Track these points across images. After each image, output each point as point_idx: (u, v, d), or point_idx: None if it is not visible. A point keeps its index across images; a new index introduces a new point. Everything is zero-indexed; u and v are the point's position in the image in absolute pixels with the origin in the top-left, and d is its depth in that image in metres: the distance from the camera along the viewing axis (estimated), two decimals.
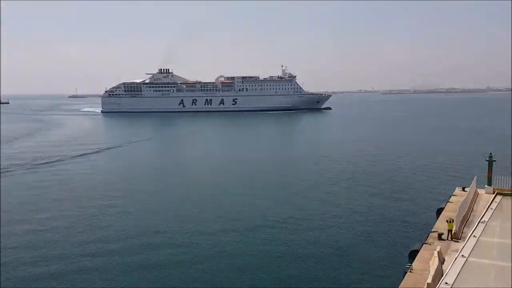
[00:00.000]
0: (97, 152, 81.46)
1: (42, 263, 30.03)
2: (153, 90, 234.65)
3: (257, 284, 26.58)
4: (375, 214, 40.50)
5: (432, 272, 21.64)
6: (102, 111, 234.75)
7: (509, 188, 37.40)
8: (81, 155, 76.78)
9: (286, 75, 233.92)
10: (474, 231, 27.66)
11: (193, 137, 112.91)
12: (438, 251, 24.26)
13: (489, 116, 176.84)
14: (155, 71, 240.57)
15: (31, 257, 31.05)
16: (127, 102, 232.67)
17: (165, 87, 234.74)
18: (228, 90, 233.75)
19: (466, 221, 31.16)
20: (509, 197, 35.77)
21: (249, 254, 31.08)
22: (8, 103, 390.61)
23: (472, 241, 25.98)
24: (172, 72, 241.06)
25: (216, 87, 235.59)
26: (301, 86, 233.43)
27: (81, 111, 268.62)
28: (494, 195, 36.48)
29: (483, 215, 31.08)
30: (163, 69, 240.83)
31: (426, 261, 24.13)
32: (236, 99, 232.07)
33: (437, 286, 20.18)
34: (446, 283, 20.47)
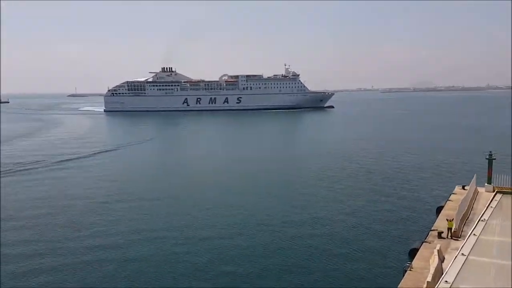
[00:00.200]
0: (102, 152, 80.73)
1: (43, 261, 30.08)
2: (157, 89, 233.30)
3: (258, 279, 26.60)
4: (375, 212, 40.49)
5: (432, 270, 21.65)
6: (105, 110, 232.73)
7: (509, 187, 37.44)
8: (84, 156, 75.96)
9: (289, 73, 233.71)
10: (474, 229, 27.68)
11: (198, 136, 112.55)
12: (438, 250, 24.27)
13: (487, 114, 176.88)
14: (156, 70, 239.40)
15: (32, 256, 31.11)
16: (131, 101, 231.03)
17: (169, 85, 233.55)
18: (232, 89, 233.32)
19: (466, 220, 31.18)
20: (509, 196, 35.80)
21: (247, 250, 31.15)
22: (8, 102, 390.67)
23: (472, 239, 26.00)
24: (175, 71, 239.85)
25: (220, 85, 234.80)
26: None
27: (81, 110, 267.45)
28: (494, 194, 36.51)
29: (483, 213, 31.10)
30: (166, 68, 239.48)
31: (426, 260, 24.14)
32: (240, 97, 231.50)
33: (437, 285, 20.20)
34: (446, 281, 20.49)
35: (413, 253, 26.79)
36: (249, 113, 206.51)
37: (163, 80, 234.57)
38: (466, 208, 32.29)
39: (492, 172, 38.76)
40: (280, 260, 29.73)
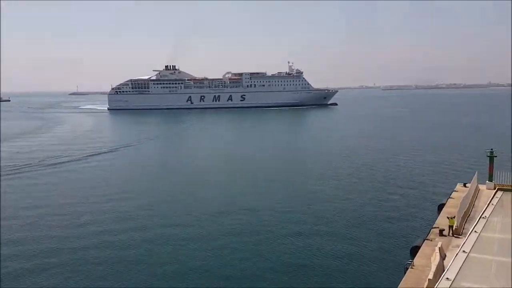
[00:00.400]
0: (110, 151, 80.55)
1: (49, 259, 30.24)
2: (161, 87, 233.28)
3: (259, 270, 26.73)
4: (376, 209, 40.60)
5: (433, 268, 21.71)
6: (109, 108, 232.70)
7: (510, 184, 37.45)
8: (92, 155, 76.03)
9: (293, 71, 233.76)
10: (475, 226, 27.73)
11: (203, 134, 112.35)
12: (439, 247, 24.33)
13: (489, 112, 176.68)
14: (160, 68, 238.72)
15: (33, 254, 31.25)
16: (134, 99, 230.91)
17: (172, 83, 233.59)
18: (236, 87, 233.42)
19: (467, 217, 31.22)
20: (510, 193, 35.81)
21: (250, 247, 31.29)
22: (9, 100, 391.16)
23: (473, 236, 26.06)
24: (178, 69, 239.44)
25: (224, 83, 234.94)
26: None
27: (84, 108, 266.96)
28: (495, 191, 36.55)
29: (484, 210, 31.14)
30: (170, 66, 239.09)
31: (427, 257, 24.21)
32: (244, 95, 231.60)
33: (438, 282, 20.27)
34: (447, 278, 20.57)
35: (414, 250, 26.82)
36: (253, 110, 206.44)
37: (166, 78, 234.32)
38: (467, 205, 32.33)
39: (493, 170, 38.77)
40: (281, 256, 29.89)
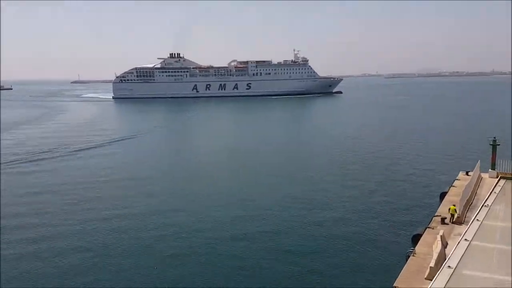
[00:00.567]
0: (113, 142, 78.67)
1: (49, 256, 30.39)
2: (166, 75, 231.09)
3: (263, 263, 26.88)
4: (378, 198, 40.61)
5: (435, 256, 21.77)
6: (113, 97, 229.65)
7: None
8: (93, 147, 74.10)
9: (298, 59, 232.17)
10: (478, 215, 27.78)
11: (210, 124, 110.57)
12: (441, 235, 24.36)
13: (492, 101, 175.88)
14: (164, 56, 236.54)
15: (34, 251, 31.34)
16: (140, 88, 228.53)
17: (178, 72, 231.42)
18: (242, 75, 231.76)
19: (470, 205, 31.22)
20: None
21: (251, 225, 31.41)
22: (11, 88, 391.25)
23: (475, 225, 26.11)
24: (183, 57, 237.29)
25: (229, 71, 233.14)
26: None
27: (88, 97, 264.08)
28: (497, 179, 36.54)
29: (487, 199, 31.18)
30: (174, 54, 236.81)
31: (429, 245, 24.25)
32: (250, 83, 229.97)
33: (440, 270, 20.34)
34: (449, 266, 20.64)
35: (416, 238, 26.89)
36: (259, 99, 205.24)
37: (171, 66, 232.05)
38: (469, 194, 32.31)
39: (496, 158, 38.67)
40: (283, 242, 30.10)
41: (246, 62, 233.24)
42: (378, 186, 44.73)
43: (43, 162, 60.07)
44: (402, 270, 21.66)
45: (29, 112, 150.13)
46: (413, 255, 23.15)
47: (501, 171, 38.15)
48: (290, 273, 26.04)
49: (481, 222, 26.47)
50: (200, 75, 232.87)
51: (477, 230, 25.28)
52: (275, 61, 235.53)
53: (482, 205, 29.57)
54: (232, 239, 31.37)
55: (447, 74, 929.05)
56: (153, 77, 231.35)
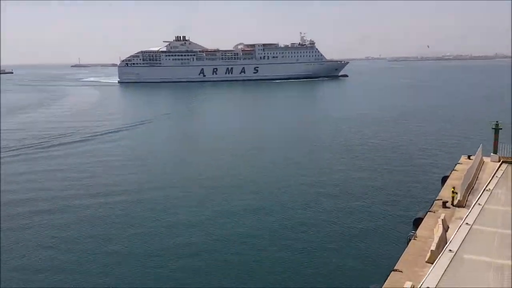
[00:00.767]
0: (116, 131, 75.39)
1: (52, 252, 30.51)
2: (173, 59, 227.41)
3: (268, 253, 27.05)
4: (380, 181, 40.70)
5: (436, 239, 21.81)
6: (119, 82, 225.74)
7: None
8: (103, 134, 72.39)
9: (306, 42, 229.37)
10: (479, 199, 27.76)
11: (219, 110, 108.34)
12: (442, 219, 24.37)
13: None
14: (170, 39, 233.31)
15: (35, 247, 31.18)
16: (146, 72, 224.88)
17: (184, 55, 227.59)
18: (249, 58, 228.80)
19: (471, 189, 31.19)
20: None
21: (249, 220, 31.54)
22: (12, 72, 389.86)
23: (477, 209, 26.11)
24: (189, 40, 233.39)
25: (236, 55, 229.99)
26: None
27: (91, 81, 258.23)
28: (499, 163, 36.43)
29: (488, 183, 31.13)
30: (180, 37, 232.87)
31: (430, 229, 24.29)
32: (257, 67, 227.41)
33: (441, 254, 20.40)
34: (450, 250, 20.69)
35: (417, 222, 26.97)
36: (267, 83, 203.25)
37: (177, 49, 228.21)
38: (471, 177, 32.24)
39: (498, 142, 38.49)
40: (280, 231, 30.22)
41: (253, 45, 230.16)
42: (380, 169, 44.82)
43: (66, 147, 60.43)
44: (403, 254, 21.74)
45: (40, 95, 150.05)
46: (414, 239, 23.21)
47: (503, 155, 38.01)
48: (291, 258, 26.21)
49: (483, 206, 26.47)
50: (206, 59, 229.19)
51: (478, 214, 25.29)
52: (281, 44, 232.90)
53: (484, 189, 29.53)
54: (247, 233, 29.94)
55: (450, 57, 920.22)
56: (159, 61, 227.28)
